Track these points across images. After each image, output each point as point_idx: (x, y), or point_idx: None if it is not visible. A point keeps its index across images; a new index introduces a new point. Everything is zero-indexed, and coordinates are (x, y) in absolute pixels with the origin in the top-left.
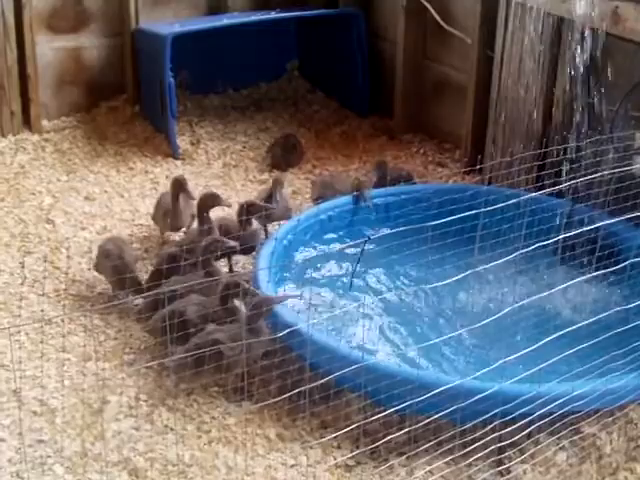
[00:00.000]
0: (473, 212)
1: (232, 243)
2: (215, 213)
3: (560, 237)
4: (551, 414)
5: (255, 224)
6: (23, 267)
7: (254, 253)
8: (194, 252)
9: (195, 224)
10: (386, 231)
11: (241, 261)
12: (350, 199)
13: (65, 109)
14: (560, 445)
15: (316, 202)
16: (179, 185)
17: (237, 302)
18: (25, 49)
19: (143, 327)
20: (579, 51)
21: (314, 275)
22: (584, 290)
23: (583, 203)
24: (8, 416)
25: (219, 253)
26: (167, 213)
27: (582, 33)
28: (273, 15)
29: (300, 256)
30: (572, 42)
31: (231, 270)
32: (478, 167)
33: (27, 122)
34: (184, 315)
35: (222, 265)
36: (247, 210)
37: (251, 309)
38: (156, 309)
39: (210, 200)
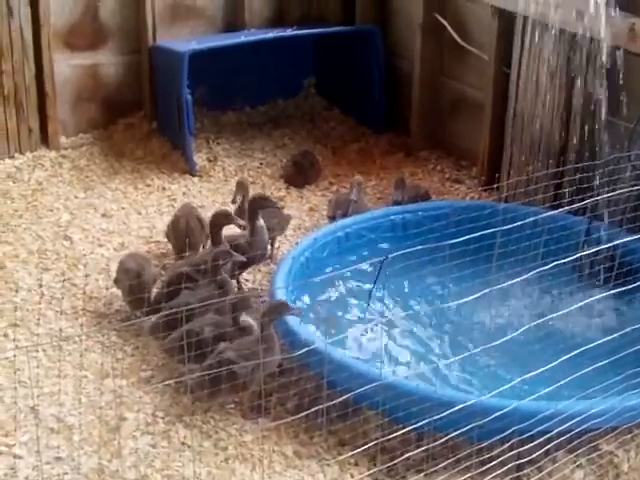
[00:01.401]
0: (491, 230)
1: (240, 257)
2: (225, 231)
3: (578, 255)
4: (569, 432)
5: (261, 221)
6: (41, 285)
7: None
8: (206, 271)
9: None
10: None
11: (258, 280)
12: (370, 215)
13: (82, 126)
14: (578, 463)
15: (332, 219)
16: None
17: (244, 317)
18: (43, 66)
19: (159, 346)
20: (596, 68)
21: (332, 293)
22: (602, 308)
23: (601, 221)
24: (25, 433)
25: (236, 271)
26: (182, 232)
27: (599, 50)
28: (290, 32)
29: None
30: (589, 59)
31: (239, 288)
32: (496, 185)
33: (45, 139)
34: (200, 335)
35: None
36: (257, 202)
37: (262, 315)
38: (170, 328)
39: (223, 219)
